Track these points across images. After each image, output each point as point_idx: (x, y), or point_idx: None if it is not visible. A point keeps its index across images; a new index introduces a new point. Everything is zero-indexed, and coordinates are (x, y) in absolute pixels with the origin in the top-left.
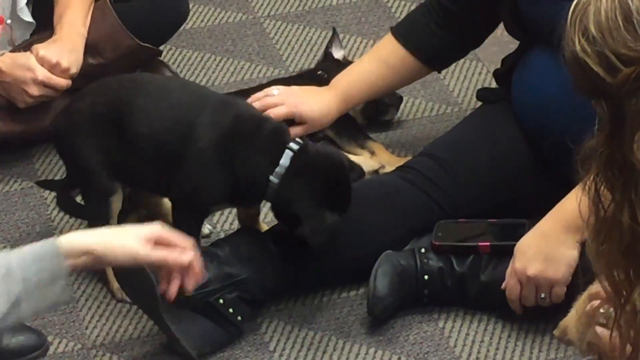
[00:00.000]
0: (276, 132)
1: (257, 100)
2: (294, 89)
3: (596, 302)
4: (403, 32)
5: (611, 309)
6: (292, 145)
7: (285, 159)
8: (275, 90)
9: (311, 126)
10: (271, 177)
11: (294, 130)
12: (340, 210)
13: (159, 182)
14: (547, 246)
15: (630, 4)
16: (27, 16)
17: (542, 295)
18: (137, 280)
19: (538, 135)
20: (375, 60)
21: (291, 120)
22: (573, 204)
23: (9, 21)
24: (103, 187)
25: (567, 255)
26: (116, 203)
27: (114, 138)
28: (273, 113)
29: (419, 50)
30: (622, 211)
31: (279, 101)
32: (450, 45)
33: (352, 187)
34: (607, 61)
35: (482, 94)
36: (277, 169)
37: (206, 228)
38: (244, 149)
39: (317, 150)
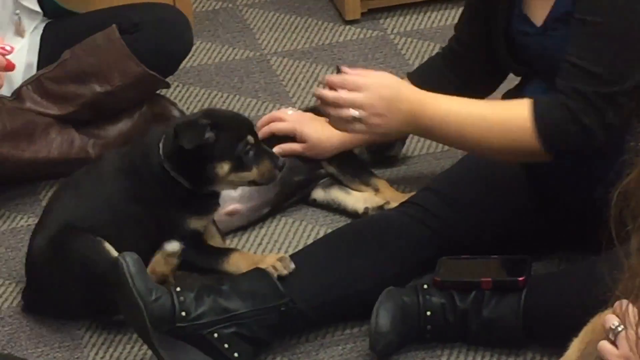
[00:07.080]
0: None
1: (270, 117)
2: (307, 114)
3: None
4: (418, 75)
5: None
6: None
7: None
8: (290, 110)
9: (310, 147)
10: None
11: (293, 147)
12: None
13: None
14: None
15: None
16: (34, 5)
17: None
18: (129, 306)
19: (537, 172)
20: None
21: (292, 138)
22: None
23: (17, 11)
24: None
25: None
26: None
27: None
28: (275, 127)
29: None
30: None
31: (287, 118)
32: (462, 90)
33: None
34: None
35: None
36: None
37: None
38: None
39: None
